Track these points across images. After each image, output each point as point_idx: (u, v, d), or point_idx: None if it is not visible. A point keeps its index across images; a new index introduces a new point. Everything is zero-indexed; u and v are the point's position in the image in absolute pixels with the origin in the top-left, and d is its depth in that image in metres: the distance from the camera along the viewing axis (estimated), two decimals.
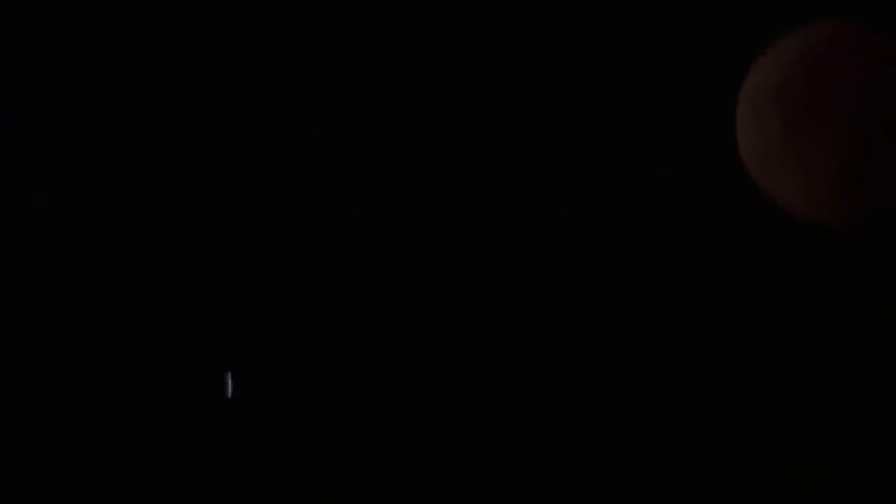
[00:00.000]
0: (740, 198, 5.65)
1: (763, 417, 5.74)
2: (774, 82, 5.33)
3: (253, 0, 6.06)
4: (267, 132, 6.13)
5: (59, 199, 6.12)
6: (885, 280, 5.66)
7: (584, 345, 5.91)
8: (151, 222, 6.16)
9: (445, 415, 6.00)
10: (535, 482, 5.93)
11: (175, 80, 6.13)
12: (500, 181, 6.02)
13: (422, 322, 6.06)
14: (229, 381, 6.07)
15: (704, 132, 5.73)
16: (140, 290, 6.12)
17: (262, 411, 6.11)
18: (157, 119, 6.13)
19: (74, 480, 6.02)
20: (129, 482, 6.00)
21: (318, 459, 6.05)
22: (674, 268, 5.84)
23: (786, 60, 5.34)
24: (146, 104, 6.13)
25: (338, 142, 6.12)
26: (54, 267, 6.14)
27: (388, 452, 6.02)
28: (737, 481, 5.79)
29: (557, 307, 5.95)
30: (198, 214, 6.16)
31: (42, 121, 6.12)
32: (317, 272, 6.13)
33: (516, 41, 5.94)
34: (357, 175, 6.12)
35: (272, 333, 6.12)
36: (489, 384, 5.99)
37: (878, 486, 5.65)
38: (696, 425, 5.81)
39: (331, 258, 6.13)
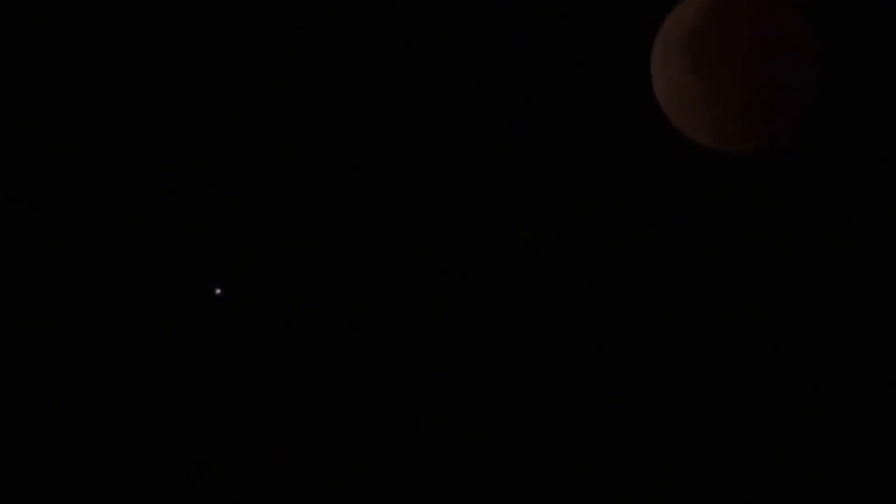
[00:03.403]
0: (655, 133, 5.97)
1: (685, 351, 6.04)
2: (686, 29, 5.66)
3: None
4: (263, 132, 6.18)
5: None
6: (791, 199, 6.00)
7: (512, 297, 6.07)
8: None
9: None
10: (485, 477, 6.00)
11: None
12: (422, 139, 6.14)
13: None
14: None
15: (622, 74, 6.05)
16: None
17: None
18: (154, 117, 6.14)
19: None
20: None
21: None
22: (594, 201, 6.10)
23: (696, 10, 5.67)
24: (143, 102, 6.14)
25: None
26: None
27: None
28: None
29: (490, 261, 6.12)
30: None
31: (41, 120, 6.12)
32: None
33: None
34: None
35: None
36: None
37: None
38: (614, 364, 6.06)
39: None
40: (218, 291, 6.11)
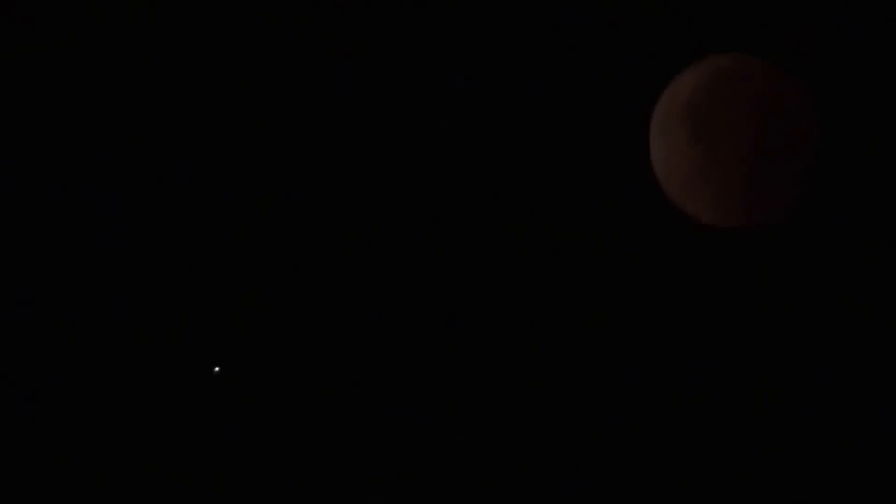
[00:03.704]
0: (652, 206, 5.97)
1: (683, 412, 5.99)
2: (685, 101, 5.72)
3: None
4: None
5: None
6: (792, 274, 6.00)
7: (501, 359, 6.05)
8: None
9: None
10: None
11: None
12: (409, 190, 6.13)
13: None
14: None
15: (620, 148, 6.06)
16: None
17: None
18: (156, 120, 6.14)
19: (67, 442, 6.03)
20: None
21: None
22: (590, 277, 6.06)
23: (695, 83, 5.74)
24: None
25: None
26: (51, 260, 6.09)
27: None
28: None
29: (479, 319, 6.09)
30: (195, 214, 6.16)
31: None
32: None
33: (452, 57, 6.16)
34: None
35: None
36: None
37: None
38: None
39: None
40: (217, 370, 6.09)
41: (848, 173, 5.96)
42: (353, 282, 6.14)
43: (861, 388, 5.95)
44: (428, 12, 6.14)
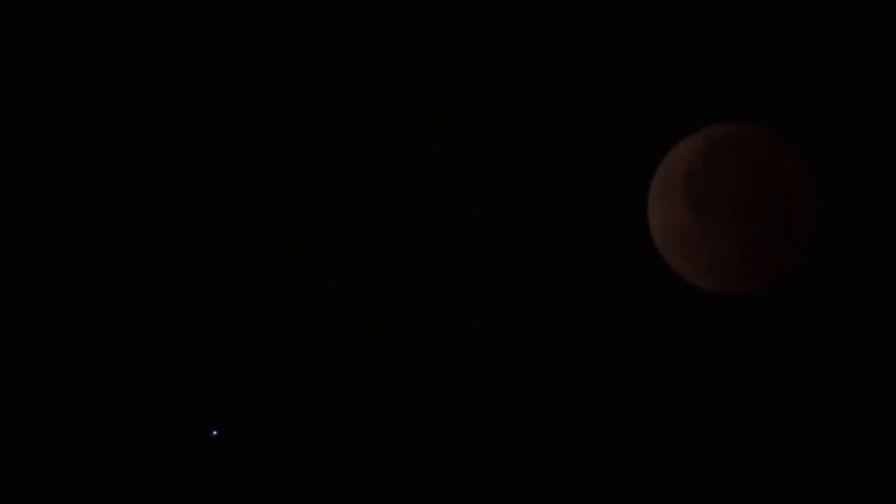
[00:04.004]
0: (649, 271, 5.98)
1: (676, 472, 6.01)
2: (683, 170, 5.74)
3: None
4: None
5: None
6: (791, 341, 6.03)
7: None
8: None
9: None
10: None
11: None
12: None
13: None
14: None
15: (619, 213, 6.11)
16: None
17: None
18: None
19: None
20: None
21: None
22: (587, 335, 6.09)
23: (693, 152, 5.77)
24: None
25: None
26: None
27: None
28: None
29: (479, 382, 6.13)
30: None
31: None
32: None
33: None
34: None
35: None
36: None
37: None
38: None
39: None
40: (214, 433, 6.11)
41: (846, 239, 5.98)
42: (335, 300, 6.19)
43: (863, 453, 5.95)
44: (446, 77, 6.21)
